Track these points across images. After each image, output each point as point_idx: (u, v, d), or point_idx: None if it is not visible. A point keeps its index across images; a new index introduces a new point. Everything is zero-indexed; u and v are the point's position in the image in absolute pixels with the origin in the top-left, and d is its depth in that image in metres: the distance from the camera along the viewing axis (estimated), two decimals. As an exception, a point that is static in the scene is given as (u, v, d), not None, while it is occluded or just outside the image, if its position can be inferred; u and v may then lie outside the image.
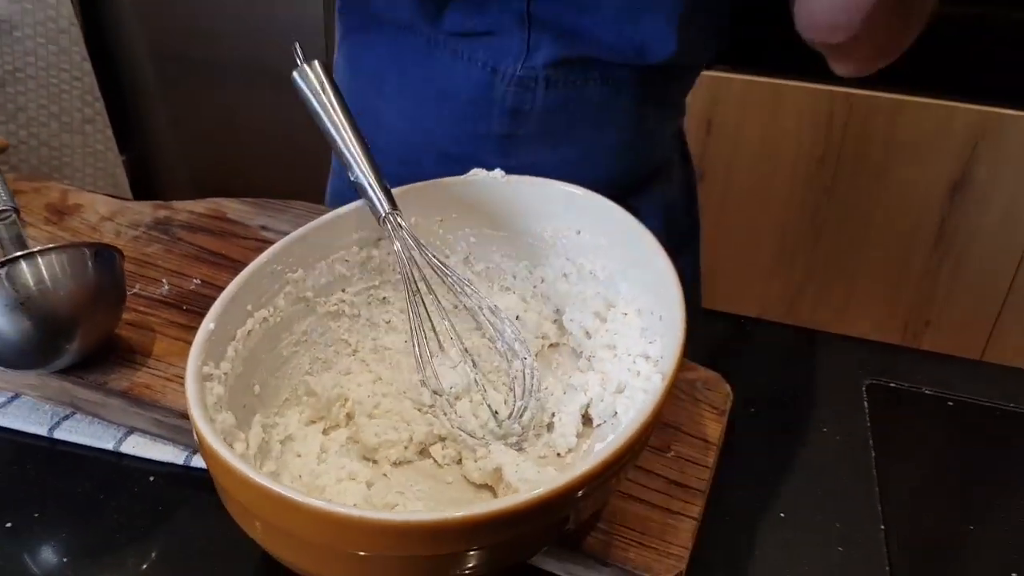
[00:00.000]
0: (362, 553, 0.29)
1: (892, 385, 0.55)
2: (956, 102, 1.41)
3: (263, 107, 1.58)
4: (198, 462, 0.45)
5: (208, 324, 0.37)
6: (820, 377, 0.56)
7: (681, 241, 0.73)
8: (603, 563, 0.38)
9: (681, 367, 0.36)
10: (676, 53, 0.59)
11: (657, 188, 0.70)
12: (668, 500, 0.41)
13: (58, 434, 0.47)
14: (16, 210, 0.58)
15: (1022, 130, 1.40)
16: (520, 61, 0.59)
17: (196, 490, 0.44)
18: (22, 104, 1.54)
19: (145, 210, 0.62)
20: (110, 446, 0.46)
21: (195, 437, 0.32)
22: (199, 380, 0.34)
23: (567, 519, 0.32)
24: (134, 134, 1.71)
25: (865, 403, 0.53)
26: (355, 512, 0.28)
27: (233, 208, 0.62)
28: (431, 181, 0.49)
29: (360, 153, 0.45)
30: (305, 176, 1.04)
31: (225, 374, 0.37)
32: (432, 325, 0.44)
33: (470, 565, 0.31)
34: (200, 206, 0.63)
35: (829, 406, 0.53)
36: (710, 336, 0.61)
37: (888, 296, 1.61)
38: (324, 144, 0.45)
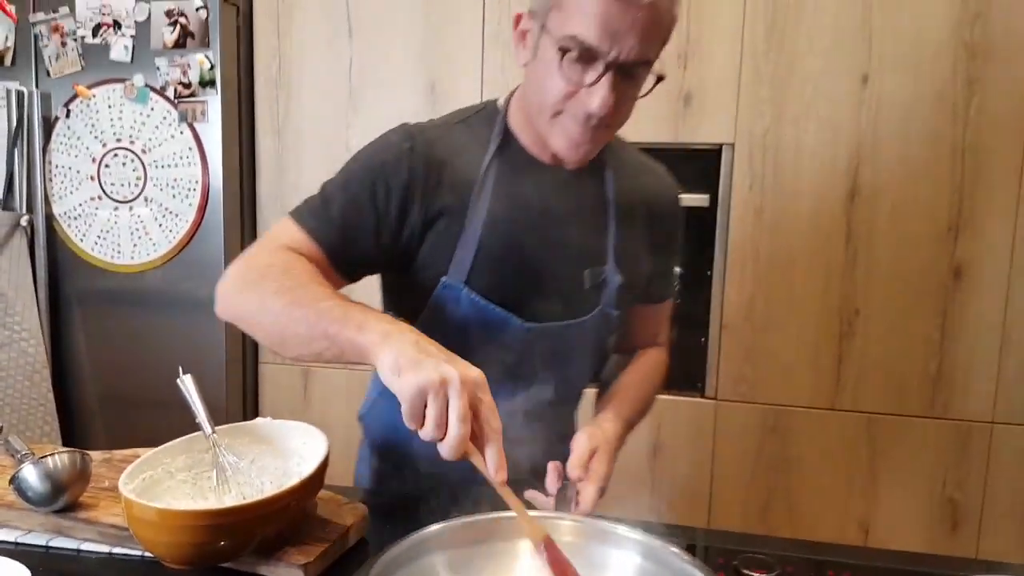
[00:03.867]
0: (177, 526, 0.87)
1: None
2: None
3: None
4: (117, 551, 1.00)
5: (127, 471, 0.96)
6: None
7: None
8: (279, 562, 0.94)
9: (314, 481, 0.96)
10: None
11: None
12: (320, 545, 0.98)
13: (51, 543, 1.02)
14: (32, 452, 1.17)
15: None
16: None
17: (116, 566, 0.99)
18: (-5, 422, 2.11)
19: (99, 455, 1.21)
20: (73, 547, 1.01)
21: (122, 503, 0.90)
22: (125, 485, 0.92)
23: (261, 521, 0.90)
24: (78, 443, 2.29)
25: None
26: (165, 506, 0.86)
27: (147, 449, 1.21)
28: (238, 424, 1.11)
29: (205, 416, 1.06)
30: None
31: (132, 490, 0.95)
32: (228, 484, 1.03)
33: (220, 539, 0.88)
34: (128, 452, 1.22)
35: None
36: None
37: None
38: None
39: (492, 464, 0.80)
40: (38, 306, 2.18)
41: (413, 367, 0.80)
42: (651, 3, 0.92)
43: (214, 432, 1.06)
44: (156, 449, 1.03)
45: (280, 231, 1.07)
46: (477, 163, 1.08)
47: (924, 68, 1.96)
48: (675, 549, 0.83)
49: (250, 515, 0.91)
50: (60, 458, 1.02)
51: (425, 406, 0.79)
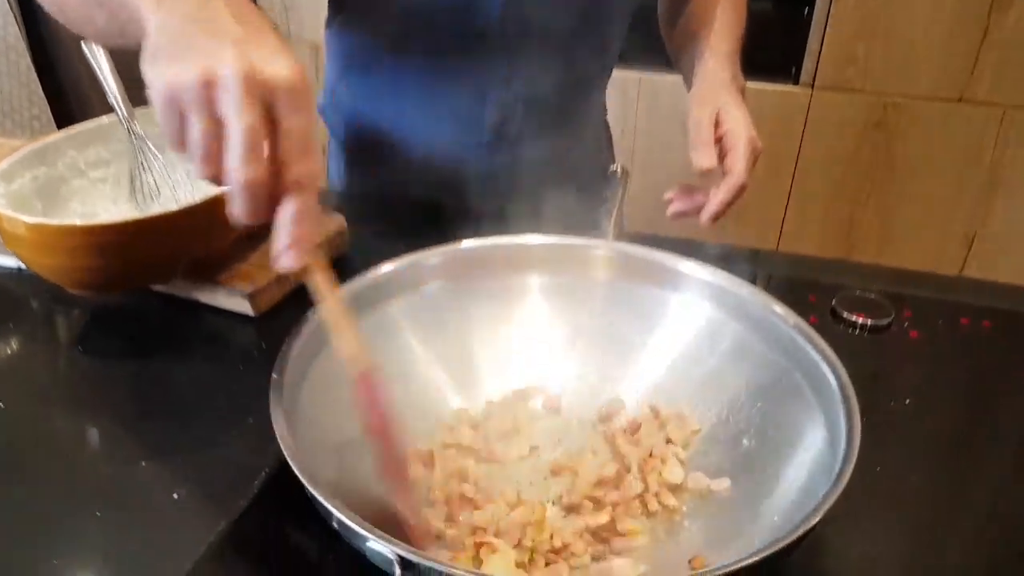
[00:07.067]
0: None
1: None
2: None
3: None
4: None
5: (3, 165, 0.69)
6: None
7: None
8: (217, 287, 0.70)
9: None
10: None
11: None
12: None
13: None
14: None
15: None
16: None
17: None
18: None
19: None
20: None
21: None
22: (-13, 183, 0.66)
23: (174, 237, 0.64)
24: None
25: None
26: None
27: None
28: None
29: (118, 93, 0.75)
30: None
31: (8, 193, 0.68)
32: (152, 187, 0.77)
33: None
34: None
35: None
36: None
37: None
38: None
39: (284, 235, 0.43)
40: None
41: (173, 52, 0.44)
42: None
43: (132, 119, 0.77)
44: (57, 135, 0.76)
45: None
46: None
47: None
48: (753, 291, 0.55)
49: (152, 230, 0.64)
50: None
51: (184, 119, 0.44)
